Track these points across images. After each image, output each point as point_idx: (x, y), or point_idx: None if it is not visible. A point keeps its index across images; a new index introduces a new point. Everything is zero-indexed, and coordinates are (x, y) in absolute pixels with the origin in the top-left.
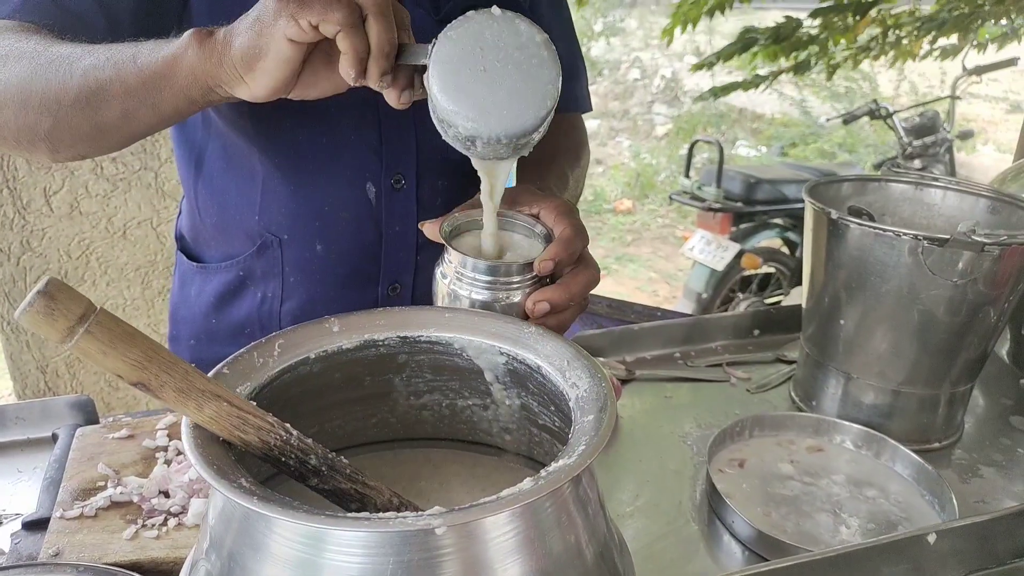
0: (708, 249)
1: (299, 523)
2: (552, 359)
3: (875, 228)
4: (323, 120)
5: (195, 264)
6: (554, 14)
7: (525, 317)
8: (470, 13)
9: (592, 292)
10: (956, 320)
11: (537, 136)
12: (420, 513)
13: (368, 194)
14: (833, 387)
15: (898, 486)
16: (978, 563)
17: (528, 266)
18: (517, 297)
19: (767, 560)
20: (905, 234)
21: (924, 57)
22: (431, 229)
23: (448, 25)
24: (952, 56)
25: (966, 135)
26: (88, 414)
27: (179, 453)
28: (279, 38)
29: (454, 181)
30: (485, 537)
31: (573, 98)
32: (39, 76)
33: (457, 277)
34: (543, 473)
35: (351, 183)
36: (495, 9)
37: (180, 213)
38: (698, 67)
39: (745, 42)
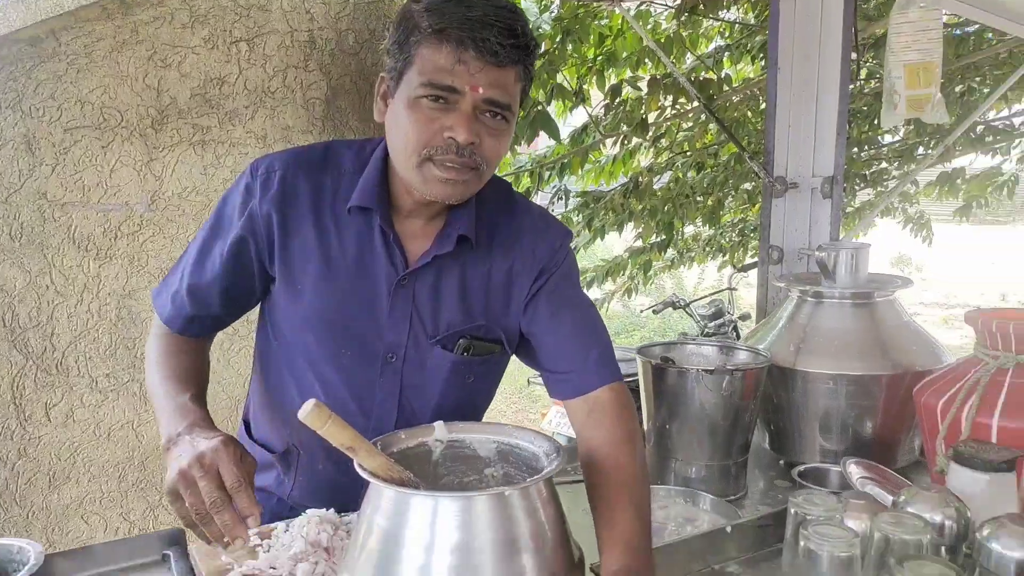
0: (565, 422)
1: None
2: (524, 438)
3: (675, 367)
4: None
5: (246, 435)
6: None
7: None
8: None
9: None
10: (727, 421)
11: None
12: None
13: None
14: (669, 467)
15: (707, 516)
16: (752, 549)
17: None
18: None
19: None
20: (691, 368)
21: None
22: None
23: None
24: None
25: (745, 316)
26: (181, 544)
27: (269, 547)
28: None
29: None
30: (496, 509)
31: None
32: (152, 382)
33: None
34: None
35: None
36: None
37: (248, 395)
38: None
39: None
